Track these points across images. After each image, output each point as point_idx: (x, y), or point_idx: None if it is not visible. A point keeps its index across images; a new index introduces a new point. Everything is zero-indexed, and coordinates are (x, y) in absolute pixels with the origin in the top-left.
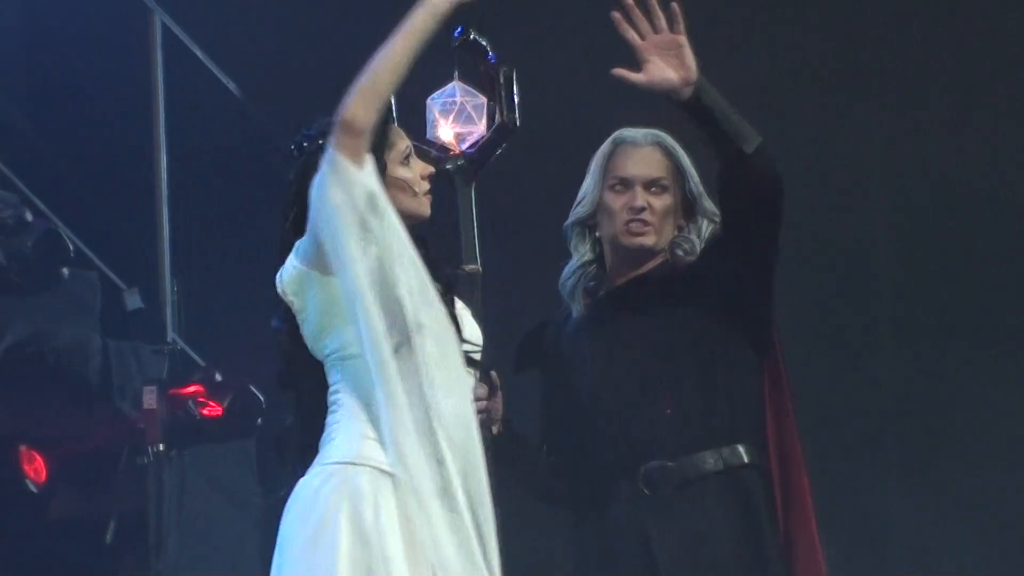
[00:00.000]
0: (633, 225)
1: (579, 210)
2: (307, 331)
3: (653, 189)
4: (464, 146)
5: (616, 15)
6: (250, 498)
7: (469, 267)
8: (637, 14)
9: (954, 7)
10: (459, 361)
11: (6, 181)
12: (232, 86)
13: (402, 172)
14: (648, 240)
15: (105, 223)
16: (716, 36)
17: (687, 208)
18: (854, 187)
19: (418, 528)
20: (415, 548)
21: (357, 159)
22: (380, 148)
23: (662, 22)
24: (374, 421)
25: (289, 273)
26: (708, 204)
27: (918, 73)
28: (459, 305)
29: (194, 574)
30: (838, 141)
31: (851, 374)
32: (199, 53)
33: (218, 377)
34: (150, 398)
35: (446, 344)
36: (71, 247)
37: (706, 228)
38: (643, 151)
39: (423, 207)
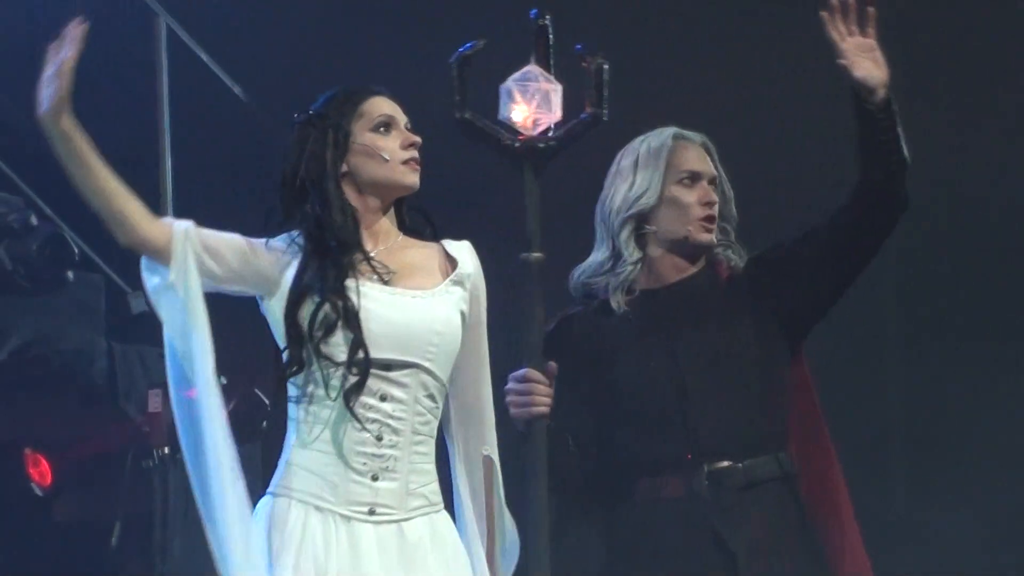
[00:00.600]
0: (706, 222)
1: (642, 203)
2: None
3: (713, 187)
4: (536, 131)
5: (824, 14)
6: (255, 501)
7: (533, 255)
8: (840, 15)
9: (954, 7)
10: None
11: (11, 185)
12: (237, 89)
13: (370, 139)
14: (712, 238)
15: None
16: (719, 34)
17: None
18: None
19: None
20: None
21: (149, 265)
22: (348, 117)
23: (860, 24)
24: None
25: None
26: (734, 209)
27: (921, 73)
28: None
29: None
30: (843, 142)
31: (857, 377)
32: (204, 57)
33: (223, 380)
34: (155, 401)
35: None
36: (76, 250)
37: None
38: (699, 149)
39: (399, 174)
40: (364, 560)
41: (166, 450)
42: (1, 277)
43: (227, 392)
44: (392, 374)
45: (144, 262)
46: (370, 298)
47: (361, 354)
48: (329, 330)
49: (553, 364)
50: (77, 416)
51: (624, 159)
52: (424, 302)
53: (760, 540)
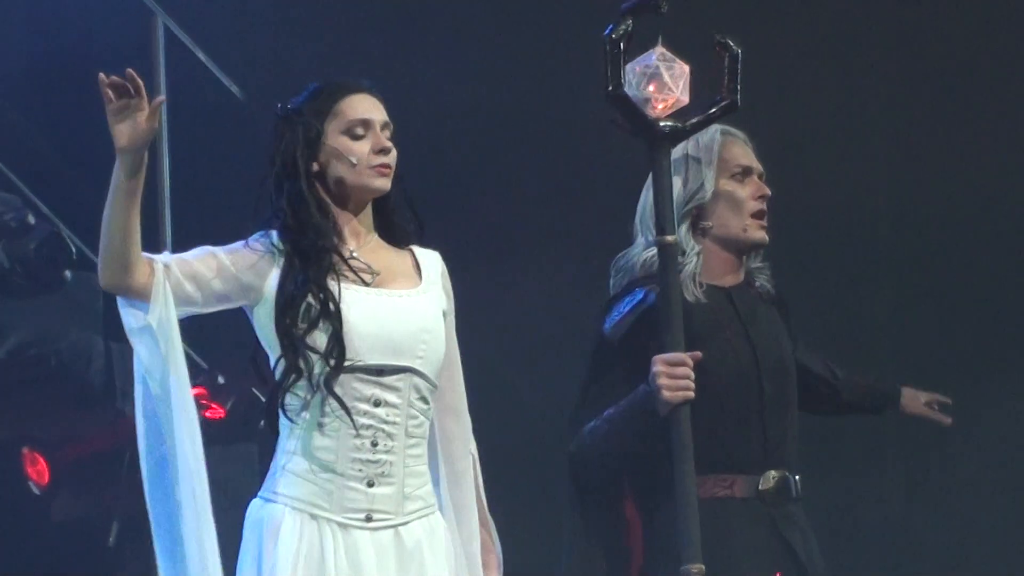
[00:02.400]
0: (759, 217)
1: (698, 197)
2: None
3: (762, 181)
4: (657, 112)
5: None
6: (252, 500)
7: (668, 237)
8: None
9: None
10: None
11: (9, 184)
12: (234, 88)
13: (341, 141)
14: (766, 236)
15: None
16: (724, 30)
17: None
18: (856, 190)
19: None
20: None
21: (126, 305)
22: (322, 116)
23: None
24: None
25: None
26: None
27: (917, 74)
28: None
29: None
30: (840, 141)
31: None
32: (201, 55)
33: (220, 380)
34: None
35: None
36: (74, 250)
37: None
38: (744, 145)
39: (366, 178)
40: (363, 569)
41: None
42: None
43: (225, 391)
44: (385, 379)
45: (121, 300)
46: (355, 302)
47: (337, 347)
48: (311, 327)
49: (697, 353)
50: (75, 415)
51: (672, 154)
52: (410, 302)
53: (811, 553)
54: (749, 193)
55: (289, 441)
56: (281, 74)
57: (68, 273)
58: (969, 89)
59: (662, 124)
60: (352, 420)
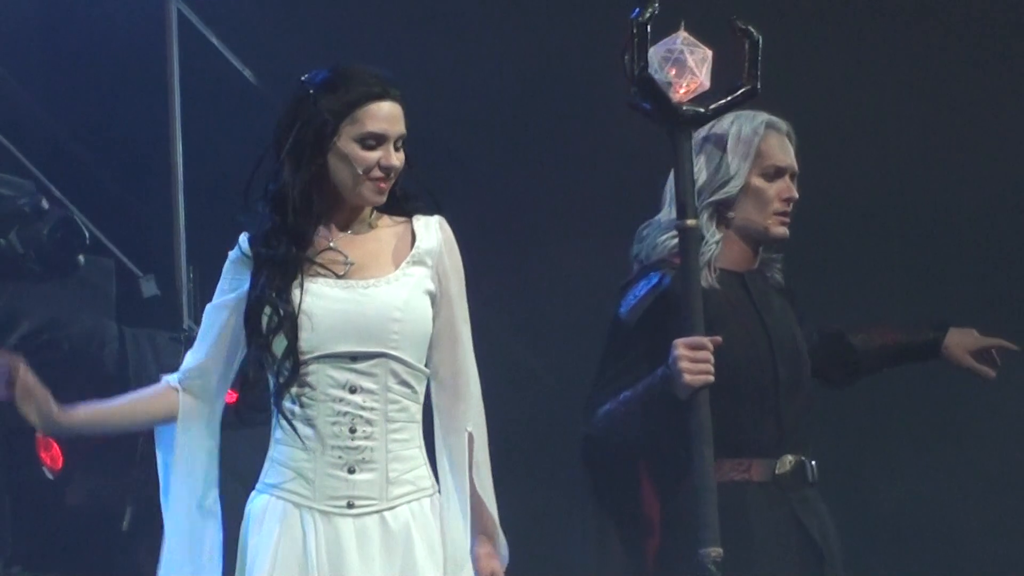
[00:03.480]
0: (784, 218)
1: (726, 190)
2: None
3: (793, 182)
4: (679, 96)
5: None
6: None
7: (689, 221)
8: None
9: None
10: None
11: (23, 169)
12: (248, 73)
13: (351, 148)
14: (787, 232)
15: (121, 210)
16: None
17: None
18: (856, 188)
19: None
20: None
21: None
22: (340, 116)
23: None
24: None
25: None
26: None
27: (924, 75)
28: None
29: None
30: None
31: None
32: (215, 41)
33: None
34: None
35: None
36: (87, 234)
37: None
38: (787, 141)
39: (363, 190)
40: (345, 555)
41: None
42: (12, 261)
43: (237, 375)
44: (359, 365)
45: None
46: (321, 295)
47: (290, 360)
48: (272, 335)
49: (718, 337)
50: (88, 400)
51: (712, 139)
52: (379, 290)
53: (827, 537)
54: (776, 192)
55: (276, 430)
56: (294, 58)
57: (81, 258)
58: (978, 84)
59: (685, 108)
60: (332, 408)
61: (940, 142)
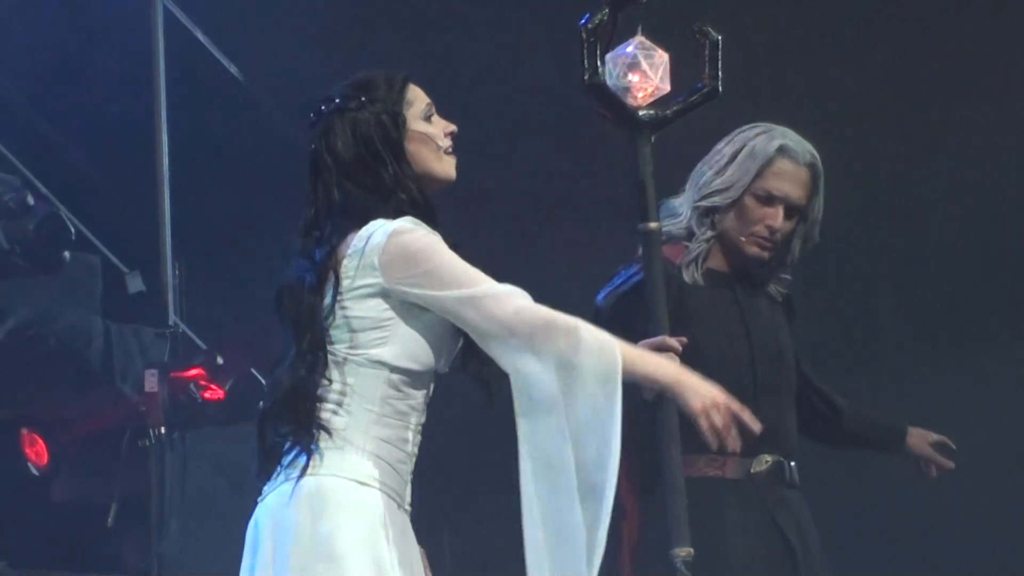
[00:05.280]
0: (763, 242)
1: (716, 199)
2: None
3: (791, 214)
4: (639, 100)
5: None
6: (252, 481)
7: (651, 224)
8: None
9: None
10: None
11: (8, 164)
12: (234, 69)
13: (423, 127)
14: (766, 256)
15: (107, 206)
16: (729, 30)
17: (798, 228)
18: (856, 190)
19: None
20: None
21: None
22: (399, 105)
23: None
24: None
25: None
26: (815, 231)
27: (913, 68)
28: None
29: (196, 556)
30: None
31: (852, 377)
32: (200, 36)
33: (219, 360)
34: (152, 381)
35: None
36: (73, 230)
37: (799, 250)
38: (799, 172)
39: (448, 166)
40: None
41: (162, 430)
42: None
43: (224, 372)
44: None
45: None
46: None
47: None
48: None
49: (683, 337)
50: (74, 396)
51: (735, 142)
52: None
53: (805, 538)
54: (761, 216)
55: (377, 427)
56: (281, 56)
57: (67, 254)
58: (963, 86)
59: (642, 113)
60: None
61: (937, 140)
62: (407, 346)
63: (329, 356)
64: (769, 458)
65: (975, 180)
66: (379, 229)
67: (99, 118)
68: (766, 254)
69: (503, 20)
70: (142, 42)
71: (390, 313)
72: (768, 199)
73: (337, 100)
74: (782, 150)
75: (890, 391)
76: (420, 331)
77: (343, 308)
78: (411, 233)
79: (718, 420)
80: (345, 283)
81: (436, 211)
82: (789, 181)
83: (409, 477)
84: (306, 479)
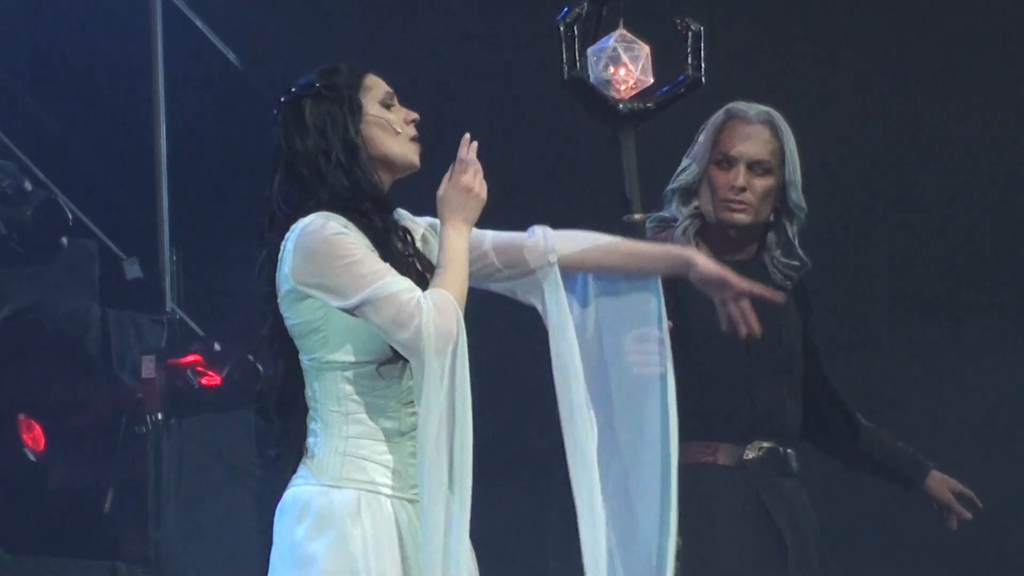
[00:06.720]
0: (732, 204)
1: (682, 177)
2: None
3: (757, 170)
4: (630, 94)
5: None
6: (249, 467)
7: (635, 216)
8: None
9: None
10: None
11: (6, 150)
12: (231, 56)
13: (381, 111)
14: (744, 217)
15: (104, 193)
16: (727, 31)
17: (781, 193)
18: (853, 177)
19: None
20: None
21: None
22: (355, 90)
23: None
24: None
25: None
26: (797, 195)
27: (909, 55)
28: None
29: (192, 543)
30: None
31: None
32: (199, 23)
33: (217, 347)
34: (149, 367)
35: None
36: (70, 216)
37: (794, 233)
38: (752, 128)
39: (408, 150)
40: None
41: (159, 416)
42: None
43: (221, 358)
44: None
45: None
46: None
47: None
48: None
49: (667, 322)
50: (71, 382)
51: (703, 127)
52: None
53: (798, 528)
54: (723, 182)
55: (348, 426)
56: (278, 43)
57: (64, 240)
58: (957, 73)
59: (622, 106)
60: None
61: (938, 135)
62: (348, 342)
63: (302, 364)
64: (764, 444)
65: (968, 170)
66: (295, 229)
67: (97, 104)
68: (741, 216)
69: (501, 13)
70: (140, 28)
71: (321, 312)
72: (727, 160)
73: (294, 89)
74: (729, 112)
75: (881, 376)
76: (354, 324)
77: (284, 317)
78: (315, 233)
79: (742, 283)
80: (281, 291)
81: (383, 201)
82: (742, 139)
83: (407, 462)
84: (287, 491)
